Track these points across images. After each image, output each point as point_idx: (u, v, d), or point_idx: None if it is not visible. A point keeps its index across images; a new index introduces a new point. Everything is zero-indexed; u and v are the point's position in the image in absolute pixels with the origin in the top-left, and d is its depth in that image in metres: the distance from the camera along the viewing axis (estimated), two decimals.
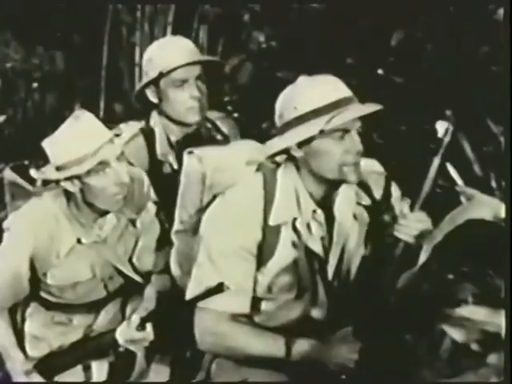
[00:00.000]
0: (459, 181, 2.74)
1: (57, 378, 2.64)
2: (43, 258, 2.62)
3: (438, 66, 3.64)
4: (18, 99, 4.86)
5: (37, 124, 4.65)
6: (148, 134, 3.03)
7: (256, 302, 2.39)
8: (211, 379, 2.49)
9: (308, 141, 2.24)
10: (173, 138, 3.04)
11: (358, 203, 2.41)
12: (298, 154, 2.27)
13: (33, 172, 2.60)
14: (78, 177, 2.52)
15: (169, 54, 2.97)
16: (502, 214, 2.01)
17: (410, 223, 2.21)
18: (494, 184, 2.92)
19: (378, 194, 2.43)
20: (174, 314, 2.45)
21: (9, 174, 2.79)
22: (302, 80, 2.29)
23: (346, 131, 2.22)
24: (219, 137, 3.12)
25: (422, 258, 2.12)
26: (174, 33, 4.38)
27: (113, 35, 4.70)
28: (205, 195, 2.51)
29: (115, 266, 2.72)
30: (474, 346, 1.86)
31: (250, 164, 2.47)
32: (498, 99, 2.50)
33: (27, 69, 4.87)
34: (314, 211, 2.34)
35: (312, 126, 2.21)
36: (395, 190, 2.46)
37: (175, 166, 2.99)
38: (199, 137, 2.99)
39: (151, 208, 2.78)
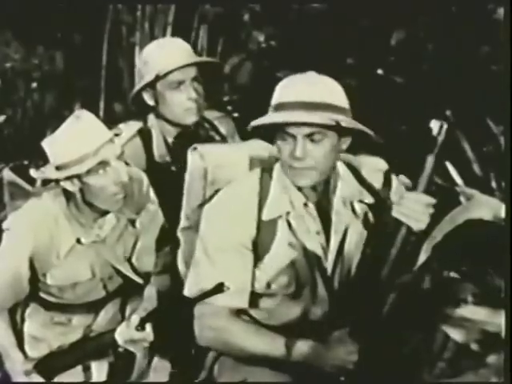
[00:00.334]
0: (459, 180, 2.74)
1: (56, 379, 2.63)
2: (43, 258, 2.62)
3: (438, 66, 3.64)
4: (18, 99, 4.86)
5: (36, 124, 4.65)
6: (145, 136, 3.03)
7: (256, 298, 2.39)
8: (214, 379, 2.49)
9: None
10: (170, 140, 3.04)
11: (361, 201, 2.41)
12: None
13: (32, 172, 2.60)
14: (78, 176, 2.52)
15: (164, 56, 2.97)
16: (502, 213, 2.01)
17: (408, 203, 2.21)
18: (493, 184, 2.92)
19: (382, 192, 2.44)
20: (174, 314, 2.45)
21: (8, 174, 2.79)
22: (300, 74, 2.31)
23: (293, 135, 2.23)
24: (217, 137, 3.13)
25: (422, 257, 2.12)
26: (174, 32, 4.39)
27: (113, 35, 4.70)
28: (207, 191, 2.53)
29: (114, 266, 2.72)
30: (474, 346, 1.86)
31: (251, 160, 2.49)
32: (498, 99, 2.50)
33: (27, 69, 4.86)
34: (306, 204, 2.35)
35: (275, 118, 2.25)
36: (395, 182, 2.46)
37: (173, 167, 3.00)
38: (197, 137, 2.99)
39: (151, 208, 2.78)
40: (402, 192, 2.31)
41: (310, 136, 2.22)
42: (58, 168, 2.53)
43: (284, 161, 2.28)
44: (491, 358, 1.84)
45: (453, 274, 2.12)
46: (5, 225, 2.64)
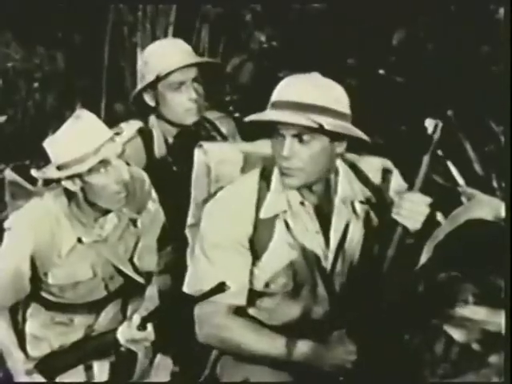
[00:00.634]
0: (460, 180, 2.74)
1: (58, 378, 2.64)
2: (44, 257, 2.62)
3: (438, 66, 3.64)
4: (19, 99, 4.87)
5: (37, 124, 4.65)
6: (146, 135, 3.03)
7: (255, 297, 2.40)
8: (217, 377, 2.50)
9: None
10: (170, 140, 3.05)
11: (362, 201, 2.42)
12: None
13: (34, 172, 2.60)
14: (79, 176, 2.53)
15: (165, 56, 2.97)
16: (503, 213, 2.01)
17: (405, 203, 2.22)
18: (495, 184, 2.91)
19: (386, 192, 2.44)
20: (176, 313, 2.46)
21: (9, 174, 2.79)
22: (304, 74, 2.31)
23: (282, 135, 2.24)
24: (218, 137, 3.13)
25: (424, 257, 2.12)
26: (176, 32, 4.39)
27: (114, 35, 4.70)
28: (211, 188, 2.54)
29: (116, 266, 2.72)
30: (475, 346, 1.87)
31: (254, 159, 2.50)
32: (498, 99, 2.50)
33: (28, 69, 4.87)
34: (302, 203, 2.35)
35: (264, 115, 2.27)
36: (394, 182, 2.47)
37: (174, 167, 3.00)
38: (198, 137, 2.99)
39: (152, 208, 2.79)
40: (400, 192, 2.32)
41: (298, 136, 2.23)
42: (59, 168, 2.54)
43: (276, 160, 2.30)
44: (492, 358, 1.84)
45: (454, 274, 2.12)
46: (6, 224, 2.64)
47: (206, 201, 2.48)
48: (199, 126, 3.08)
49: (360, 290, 2.32)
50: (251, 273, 2.37)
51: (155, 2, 4.52)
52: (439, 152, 2.66)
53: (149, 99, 3.03)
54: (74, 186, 2.56)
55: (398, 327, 2.24)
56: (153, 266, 2.80)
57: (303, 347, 2.30)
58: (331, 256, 2.38)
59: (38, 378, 2.62)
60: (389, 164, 2.49)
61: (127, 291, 2.79)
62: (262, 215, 2.35)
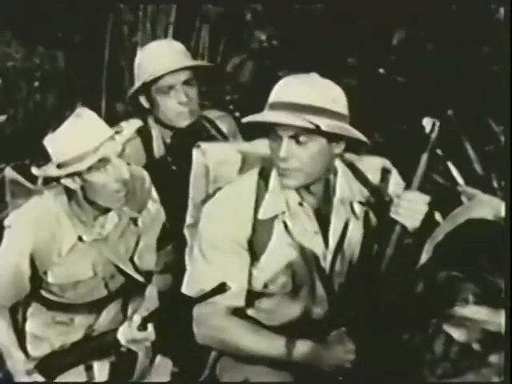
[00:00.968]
0: (460, 180, 2.75)
1: (58, 378, 2.64)
2: (44, 256, 2.62)
3: (439, 66, 3.64)
4: (19, 99, 4.87)
5: (38, 123, 4.65)
6: (145, 135, 3.03)
7: (254, 298, 2.40)
8: (216, 378, 2.50)
9: None
10: (168, 140, 3.04)
11: (361, 202, 2.41)
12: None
13: (34, 169, 2.60)
14: (79, 174, 2.53)
15: (154, 61, 2.95)
16: (503, 213, 2.01)
17: (404, 202, 2.22)
18: (495, 183, 2.92)
19: (385, 192, 2.44)
20: (176, 314, 2.46)
21: (10, 173, 2.79)
22: (301, 75, 2.31)
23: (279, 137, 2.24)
24: (219, 136, 3.12)
25: (424, 257, 2.12)
26: (176, 32, 4.40)
27: (114, 35, 4.70)
28: (210, 188, 2.54)
29: (116, 265, 2.72)
30: (475, 346, 1.87)
31: (252, 159, 2.50)
32: (498, 99, 2.50)
33: (28, 68, 4.87)
34: (301, 204, 2.35)
35: (261, 116, 2.27)
36: (393, 182, 2.47)
37: (173, 167, 3.00)
38: (198, 137, 2.98)
39: (152, 207, 2.79)
40: (398, 191, 2.32)
41: (295, 137, 2.23)
42: (59, 166, 2.54)
43: (274, 161, 2.30)
44: (492, 358, 1.84)
45: (454, 274, 2.12)
46: (6, 222, 2.64)
47: (204, 201, 2.48)
48: (199, 125, 3.08)
49: (359, 290, 2.32)
50: (250, 273, 2.37)
51: (155, 2, 4.52)
52: (439, 151, 2.67)
53: (144, 101, 3.02)
54: (73, 184, 2.56)
55: (398, 327, 2.24)
56: (153, 266, 2.80)
57: (302, 347, 2.30)
58: (330, 256, 2.38)
59: (39, 378, 2.62)
60: (388, 164, 2.49)
61: (128, 290, 2.79)
62: (261, 216, 2.35)
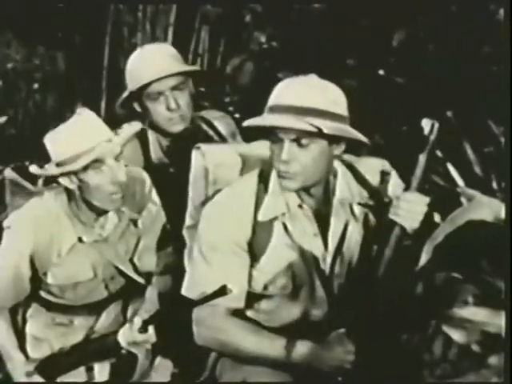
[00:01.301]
0: (460, 181, 2.74)
1: (58, 379, 2.64)
2: (43, 256, 2.62)
3: (438, 67, 3.65)
4: (19, 100, 4.87)
5: (38, 124, 4.65)
6: (143, 137, 3.02)
7: (254, 299, 2.40)
8: (216, 379, 2.50)
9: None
10: (164, 143, 3.04)
11: (360, 203, 2.42)
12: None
13: (33, 168, 2.60)
14: (76, 174, 2.52)
15: (141, 68, 2.93)
16: (503, 214, 2.01)
17: (403, 203, 2.22)
18: (494, 185, 2.91)
19: (384, 193, 2.44)
20: (177, 315, 2.46)
21: (9, 174, 2.79)
22: (300, 77, 2.30)
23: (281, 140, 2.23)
24: (216, 137, 3.11)
25: (424, 258, 2.12)
26: (176, 33, 4.40)
27: (114, 36, 4.71)
28: (209, 190, 2.54)
29: (116, 266, 2.72)
30: (475, 347, 1.87)
31: (252, 161, 2.50)
32: (498, 99, 2.50)
33: (28, 69, 4.88)
34: (300, 206, 2.35)
35: (263, 120, 2.26)
36: (394, 181, 2.47)
37: (171, 169, 3.00)
38: (194, 137, 2.97)
39: (153, 208, 2.79)
40: (397, 192, 2.32)
41: (296, 140, 2.23)
42: (57, 165, 2.54)
43: (274, 163, 2.29)
44: (492, 359, 1.84)
45: (453, 275, 2.13)
46: (6, 223, 2.64)
47: (203, 203, 2.48)
48: (195, 126, 3.07)
49: (358, 291, 2.32)
50: (250, 275, 2.37)
51: (155, 3, 4.52)
52: (439, 153, 2.66)
53: (136, 106, 3.01)
54: (71, 184, 2.56)
55: (397, 328, 2.24)
56: (153, 267, 2.80)
57: (302, 348, 2.30)
58: (330, 258, 2.39)
59: (38, 379, 2.62)
60: (387, 165, 2.49)
61: (128, 292, 2.78)
62: (261, 218, 2.35)
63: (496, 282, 1.98)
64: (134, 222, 2.74)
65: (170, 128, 2.97)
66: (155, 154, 3.03)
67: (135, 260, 2.76)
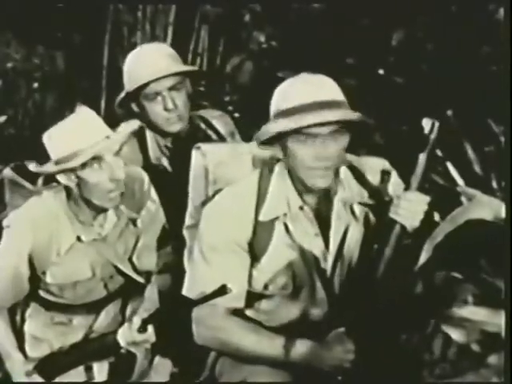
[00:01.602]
0: (460, 181, 2.74)
1: (57, 379, 2.64)
2: (42, 256, 2.62)
3: (438, 66, 3.65)
4: (19, 99, 4.87)
5: (37, 124, 4.65)
6: (142, 136, 3.02)
7: (254, 299, 2.40)
8: (215, 378, 2.50)
9: (283, 140, 2.26)
10: (162, 143, 3.03)
11: (361, 203, 2.41)
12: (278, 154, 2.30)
13: (32, 166, 2.60)
14: (74, 171, 2.52)
15: (138, 68, 2.92)
16: (503, 214, 2.01)
17: (403, 202, 2.22)
18: (494, 184, 2.91)
19: (385, 193, 2.44)
20: (176, 314, 2.46)
21: (9, 173, 2.79)
22: (296, 77, 2.30)
23: (314, 136, 2.21)
24: (214, 136, 3.11)
25: (423, 258, 2.12)
26: (175, 33, 4.40)
27: (114, 35, 4.71)
28: (209, 190, 2.54)
29: (115, 266, 2.72)
30: (475, 347, 1.87)
31: (253, 160, 2.50)
32: (498, 99, 2.50)
33: (28, 69, 4.88)
34: (301, 208, 2.35)
35: (290, 123, 2.22)
36: (394, 181, 2.47)
37: (169, 168, 3.00)
38: (192, 137, 2.97)
39: (152, 207, 2.78)
40: (398, 192, 2.32)
41: (333, 134, 2.22)
42: (56, 162, 2.54)
43: (301, 163, 2.25)
44: (491, 359, 1.84)
45: (453, 275, 2.12)
46: (5, 222, 2.64)
47: (204, 203, 2.48)
48: (194, 125, 3.07)
49: (358, 291, 2.32)
50: (250, 275, 2.37)
51: (155, 2, 4.53)
52: (439, 152, 2.66)
53: (135, 107, 3.01)
54: (69, 182, 2.55)
55: (397, 327, 2.24)
56: (152, 266, 2.80)
57: (302, 347, 2.30)
58: (330, 258, 2.38)
59: (38, 379, 2.62)
60: (387, 165, 2.49)
61: (127, 291, 2.78)
62: (262, 218, 2.34)
63: (496, 281, 1.98)
64: (133, 221, 2.74)
65: (167, 128, 2.97)
66: (153, 153, 3.03)
67: (134, 259, 2.75)
